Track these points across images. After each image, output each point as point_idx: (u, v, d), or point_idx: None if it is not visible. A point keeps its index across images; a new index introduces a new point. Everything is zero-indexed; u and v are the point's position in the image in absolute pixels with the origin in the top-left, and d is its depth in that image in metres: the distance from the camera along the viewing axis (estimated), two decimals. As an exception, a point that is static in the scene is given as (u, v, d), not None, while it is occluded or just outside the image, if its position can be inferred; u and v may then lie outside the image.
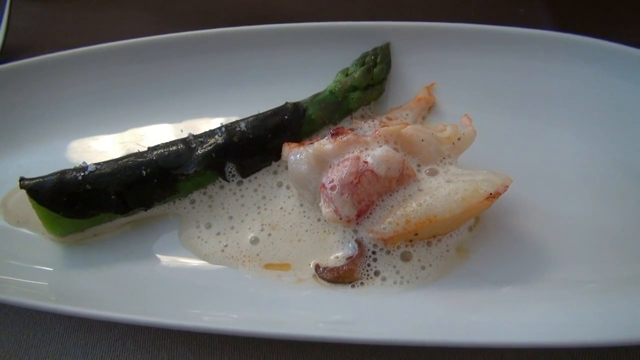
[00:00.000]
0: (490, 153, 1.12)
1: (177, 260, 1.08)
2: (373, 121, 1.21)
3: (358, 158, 1.01)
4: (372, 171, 0.99)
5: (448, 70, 1.30)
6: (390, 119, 1.22)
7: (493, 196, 0.97)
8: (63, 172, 1.07)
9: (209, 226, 1.12)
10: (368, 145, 1.04)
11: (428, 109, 1.27)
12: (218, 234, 1.11)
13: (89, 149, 1.26)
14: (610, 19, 1.54)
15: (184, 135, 1.20)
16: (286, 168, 1.18)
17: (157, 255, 1.09)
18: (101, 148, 1.26)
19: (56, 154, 1.25)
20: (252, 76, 1.33)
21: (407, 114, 1.24)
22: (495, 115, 1.22)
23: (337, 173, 1.00)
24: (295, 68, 1.33)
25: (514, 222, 1.07)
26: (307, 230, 1.09)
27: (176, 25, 1.66)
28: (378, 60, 1.27)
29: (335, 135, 1.06)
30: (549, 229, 1.06)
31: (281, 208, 1.13)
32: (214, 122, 1.26)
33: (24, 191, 1.21)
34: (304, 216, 1.11)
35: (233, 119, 1.20)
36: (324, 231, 1.08)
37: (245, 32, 1.33)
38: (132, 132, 1.28)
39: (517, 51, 1.27)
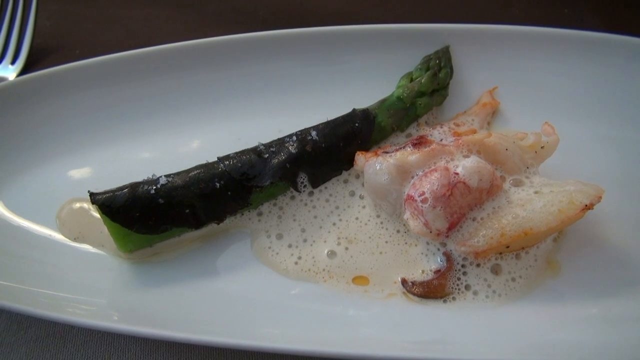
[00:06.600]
0: (563, 160, 1.10)
1: (252, 277, 1.04)
2: (442, 127, 1.18)
3: (447, 169, 0.98)
4: (464, 183, 0.96)
5: (508, 73, 1.27)
6: (457, 125, 1.20)
7: (588, 207, 0.95)
8: (134, 186, 1.01)
9: (280, 237, 1.08)
10: (453, 155, 1.01)
11: (492, 113, 1.25)
12: (290, 245, 1.07)
13: (136, 157, 1.21)
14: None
15: (241, 142, 1.15)
16: (357, 177, 1.14)
17: (230, 272, 1.05)
18: (157, 157, 1.20)
19: (105, 164, 1.20)
20: (307, 81, 1.28)
21: (472, 120, 1.22)
22: (561, 120, 1.18)
23: (427, 185, 0.97)
24: (351, 73, 1.29)
25: (597, 231, 1.05)
26: (386, 242, 1.06)
27: (212, 25, 1.61)
28: (442, 64, 1.23)
29: (418, 145, 1.03)
30: (633, 238, 1.05)
31: (356, 219, 1.09)
32: (273, 130, 1.19)
33: (74, 204, 1.17)
34: (382, 227, 1.07)
35: (294, 126, 1.14)
36: (405, 243, 1.05)
37: (302, 34, 1.28)
38: (190, 140, 1.23)
39: (579, 54, 1.26)
